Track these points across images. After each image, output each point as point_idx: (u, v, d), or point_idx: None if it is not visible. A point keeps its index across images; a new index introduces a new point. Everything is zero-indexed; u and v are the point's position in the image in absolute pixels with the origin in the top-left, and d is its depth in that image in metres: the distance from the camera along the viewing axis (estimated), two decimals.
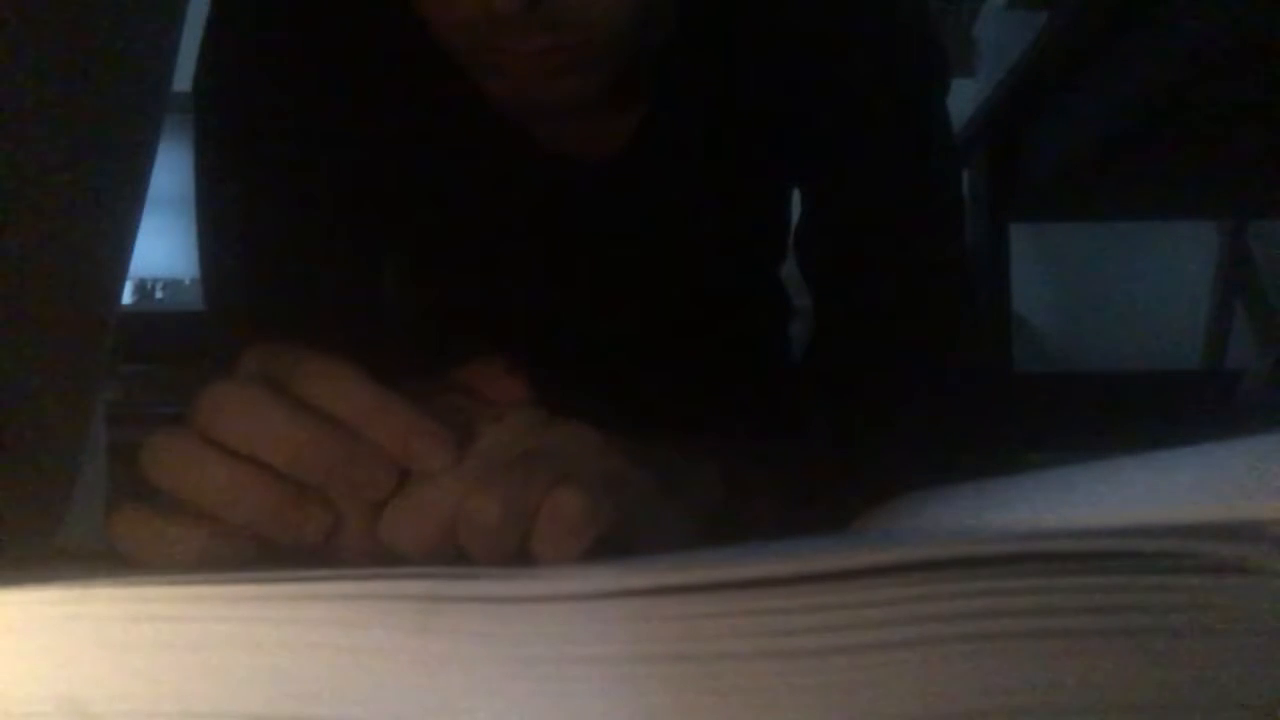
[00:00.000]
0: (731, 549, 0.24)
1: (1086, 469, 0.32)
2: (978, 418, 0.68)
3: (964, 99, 1.62)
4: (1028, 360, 2.11)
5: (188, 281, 2.24)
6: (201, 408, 0.38)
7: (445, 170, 0.67)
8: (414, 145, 0.66)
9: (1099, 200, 1.51)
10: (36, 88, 0.55)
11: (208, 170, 0.64)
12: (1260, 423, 0.27)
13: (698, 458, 0.48)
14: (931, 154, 0.67)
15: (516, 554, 0.36)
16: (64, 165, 0.56)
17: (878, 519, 0.43)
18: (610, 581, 0.20)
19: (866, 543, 0.20)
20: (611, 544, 0.37)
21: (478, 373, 0.44)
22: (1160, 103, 1.06)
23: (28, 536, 0.51)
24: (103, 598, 0.23)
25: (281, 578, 0.22)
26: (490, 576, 0.21)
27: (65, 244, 0.57)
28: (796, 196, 0.74)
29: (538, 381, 0.45)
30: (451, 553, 0.37)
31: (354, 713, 0.21)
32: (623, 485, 0.39)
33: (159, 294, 2.28)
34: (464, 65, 0.56)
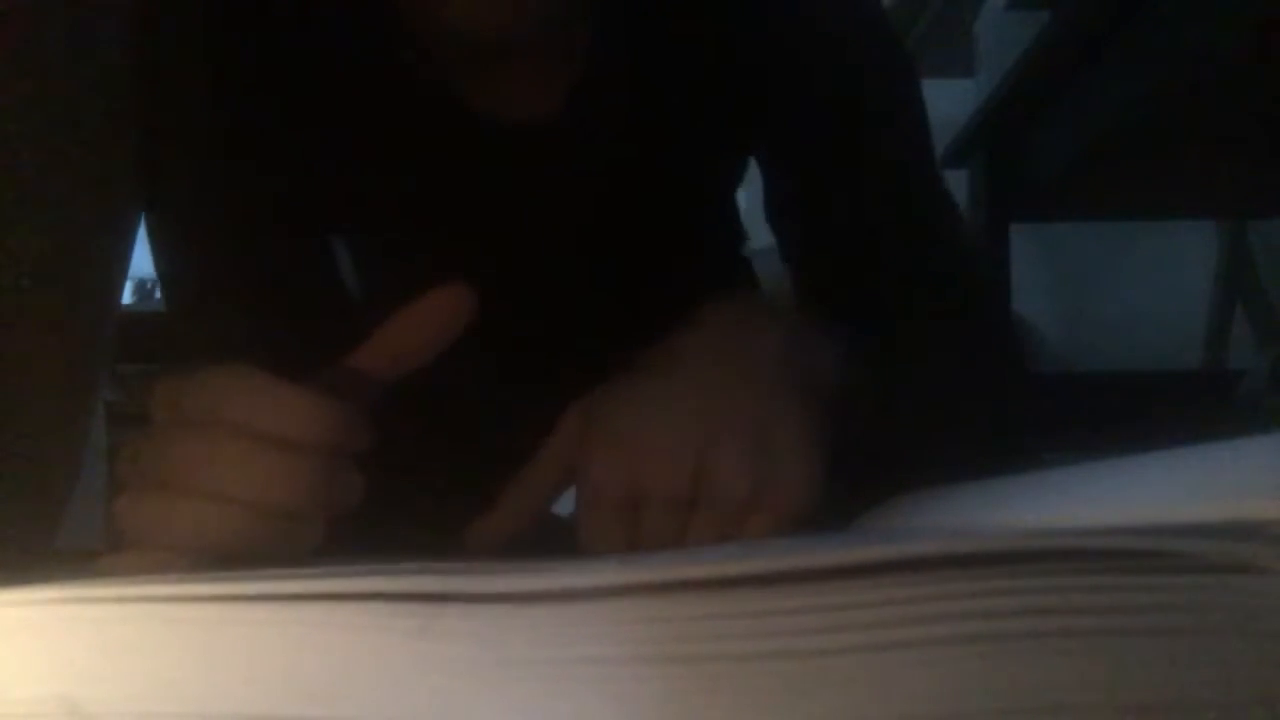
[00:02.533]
0: (730, 547, 0.24)
1: (1086, 469, 0.32)
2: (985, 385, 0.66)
3: (964, 99, 1.62)
4: (1028, 360, 2.10)
5: None
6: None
7: (380, 148, 0.66)
8: (346, 126, 0.65)
9: (1099, 200, 1.51)
10: (37, 88, 0.55)
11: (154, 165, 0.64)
12: (1260, 423, 0.27)
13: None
14: (881, 121, 0.67)
15: None
16: (64, 165, 0.56)
17: (877, 518, 0.43)
18: (611, 577, 0.20)
19: (866, 540, 0.20)
20: None
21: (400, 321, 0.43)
22: (1160, 102, 1.05)
23: (28, 536, 0.51)
24: (102, 598, 0.23)
25: (282, 575, 0.22)
26: (491, 573, 0.21)
27: (65, 244, 0.56)
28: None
29: (498, 355, 0.46)
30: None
31: (354, 712, 0.21)
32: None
33: (159, 294, 2.28)
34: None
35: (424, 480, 0.63)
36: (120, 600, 0.23)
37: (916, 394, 0.59)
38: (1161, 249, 2.24)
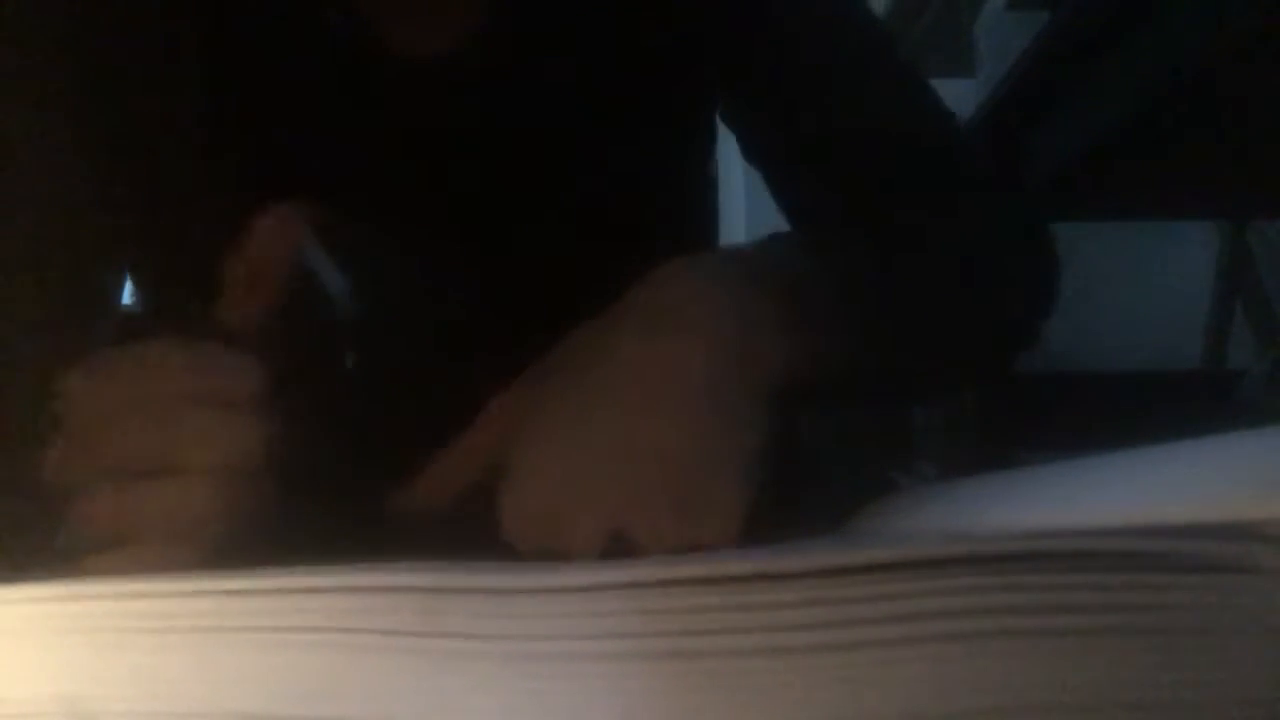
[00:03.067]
0: (731, 548, 0.24)
1: (1085, 465, 0.32)
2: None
3: (964, 99, 1.62)
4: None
5: None
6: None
7: (297, 97, 0.63)
8: (257, 77, 0.62)
9: (1099, 200, 1.51)
10: (37, 89, 0.55)
11: None
12: (1260, 423, 0.27)
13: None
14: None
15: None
16: (64, 165, 0.56)
17: (875, 516, 0.43)
18: (613, 573, 0.20)
19: (866, 540, 0.20)
20: None
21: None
22: (1161, 102, 1.05)
23: (28, 536, 0.51)
24: (102, 599, 0.23)
25: (282, 572, 0.22)
26: (491, 569, 0.21)
27: (65, 244, 0.57)
28: None
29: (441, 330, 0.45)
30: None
31: (354, 710, 0.21)
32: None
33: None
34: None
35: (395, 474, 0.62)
36: (120, 599, 0.23)
37: (917, 310, 0.56)
38: (1161, 249, 2.24)
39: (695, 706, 0.19)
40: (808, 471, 0.58)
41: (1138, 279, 2.26)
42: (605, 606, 0.20)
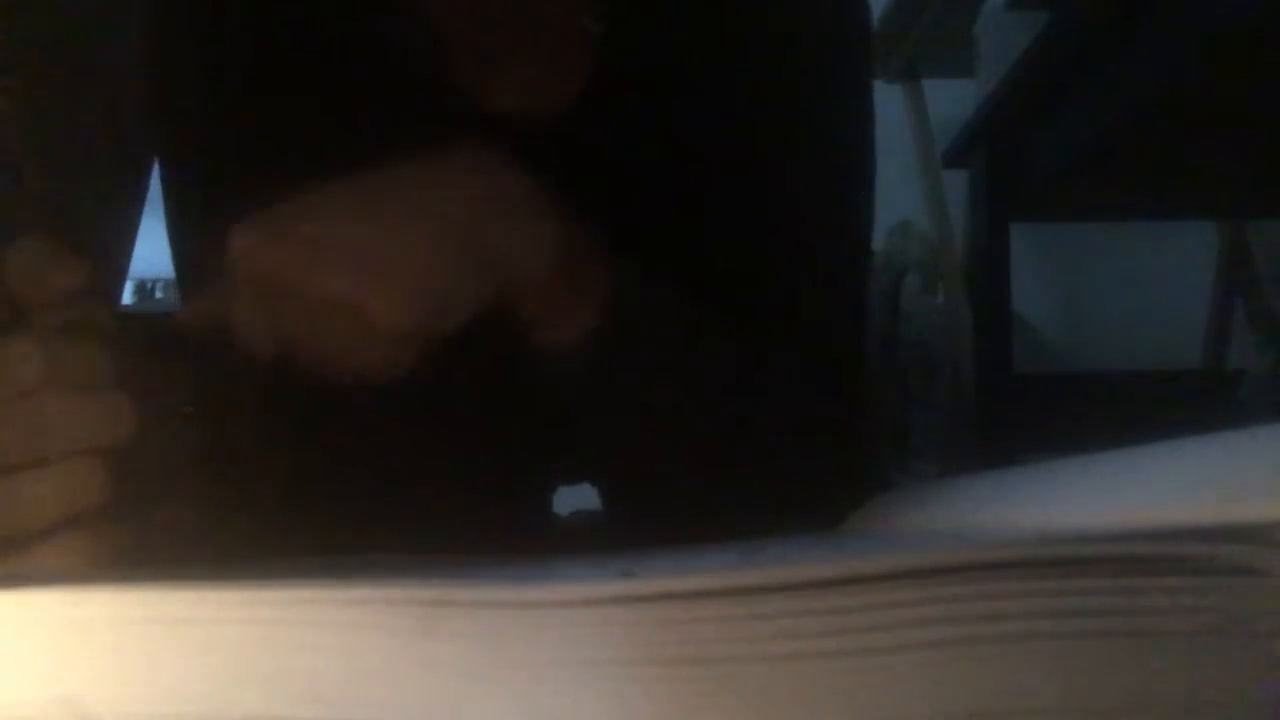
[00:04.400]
0: (731, 553, 0.24)
1: (1084, 465, 0.32)
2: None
3: (964, 99, 1.62)
4: (1028, 360, 2.10)
5: None
6: None
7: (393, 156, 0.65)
8: (356, 135, 0.64)
9: (1099, 200, 1.51)
10: (37, 89, 0.55)
11: (163, 177, 0.65)
12: (1260, 423, 0.27)
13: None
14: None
15: None
16: (64, 166, 0.56)
17: (873, 518, 0.43)
18: (610, 588, 0.20)
19: (866, 548, 0.20)
20: None
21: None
22: (1160, 102, 1.05)
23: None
24: (102, 600, 0.23)
25: (285, 582, 0.22)
26: (495, 582, 0.21)
27: (65, 244, 0.57)
28: None
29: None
30: None
31: (355, 713, 0.21)
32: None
33: (159, 294, 2.28)
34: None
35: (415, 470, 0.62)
36: (120, 603, 0.23)
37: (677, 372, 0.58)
38: (1161, 249, 2.24)
39: (697, 713, 0.19)
40: (808, 471, 0.58)
41: (1138, 279, 2.26)
42: (607, 619, 0.20)
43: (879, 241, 1.21)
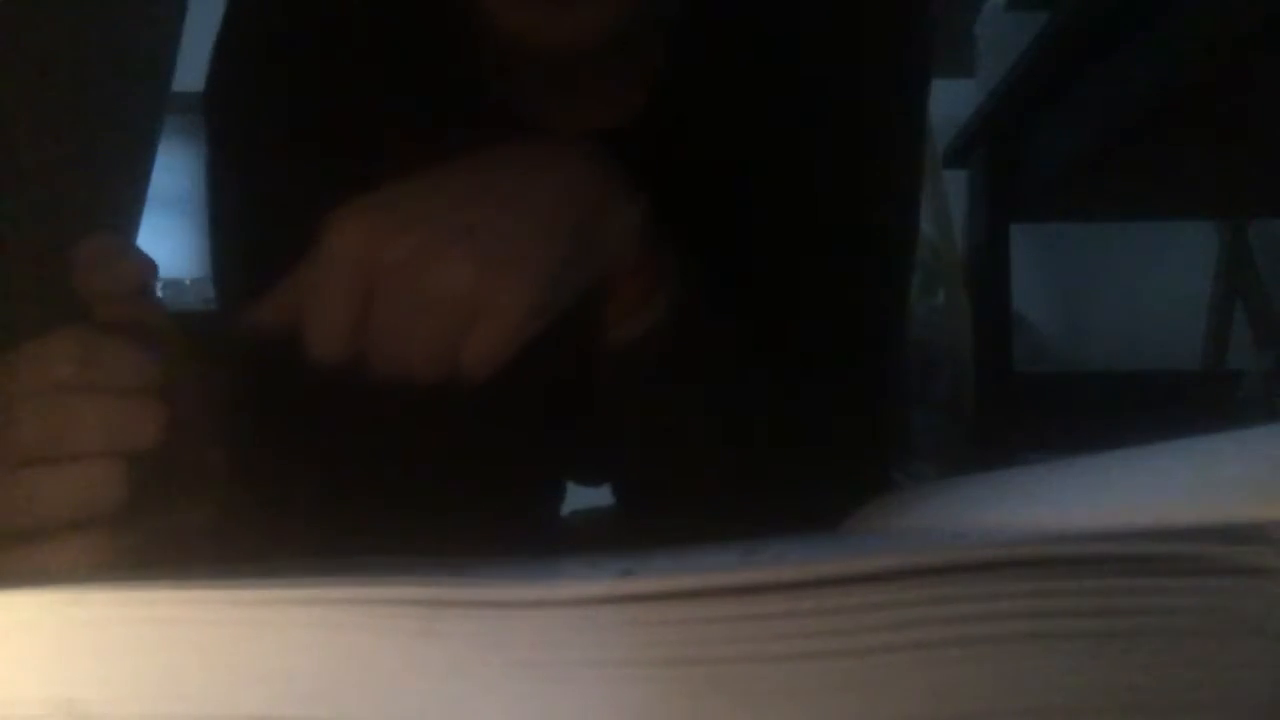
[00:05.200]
0: (731, 552, 0.24)
1: (1085, 465, 0.32)
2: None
3: (964, 99, 1.62)
4: (1028, 360, 2.10)
5: (188, 281, 2.24)
6: None
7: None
8: (416, 141, 0.64)
9: (1099, 200, 1.51)
10: (37, 88, 0.55)
11: (215, 173, 0.64)
12: (1260, 423, 0.27)
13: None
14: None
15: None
16: (64, 166, 0.56)
17: (872, 517, 0.43)
18: (610, 587, 0.20)
19: (866, 547, 0.20)
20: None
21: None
22: (1160, 102, 1.05)
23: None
24: (102, 600, 0.23)
25: (282, 582, 0.22)
26: (494, 582, 0.21)
27: (65, 244, 0.56)
28: None
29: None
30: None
31: (355, 713, 0.21)
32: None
33: (159, 294, 2.28)
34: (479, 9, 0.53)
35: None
36: (120, 603, 0.23)
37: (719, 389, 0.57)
38: (1161, 249, 2.24)
39: (697, 712, 0.19)
40: (806, 471, 0.58)
41: (1138, 279, 2.26)
42: (605, 619, 0.20)
43: None
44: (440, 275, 0.42)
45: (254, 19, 0.63)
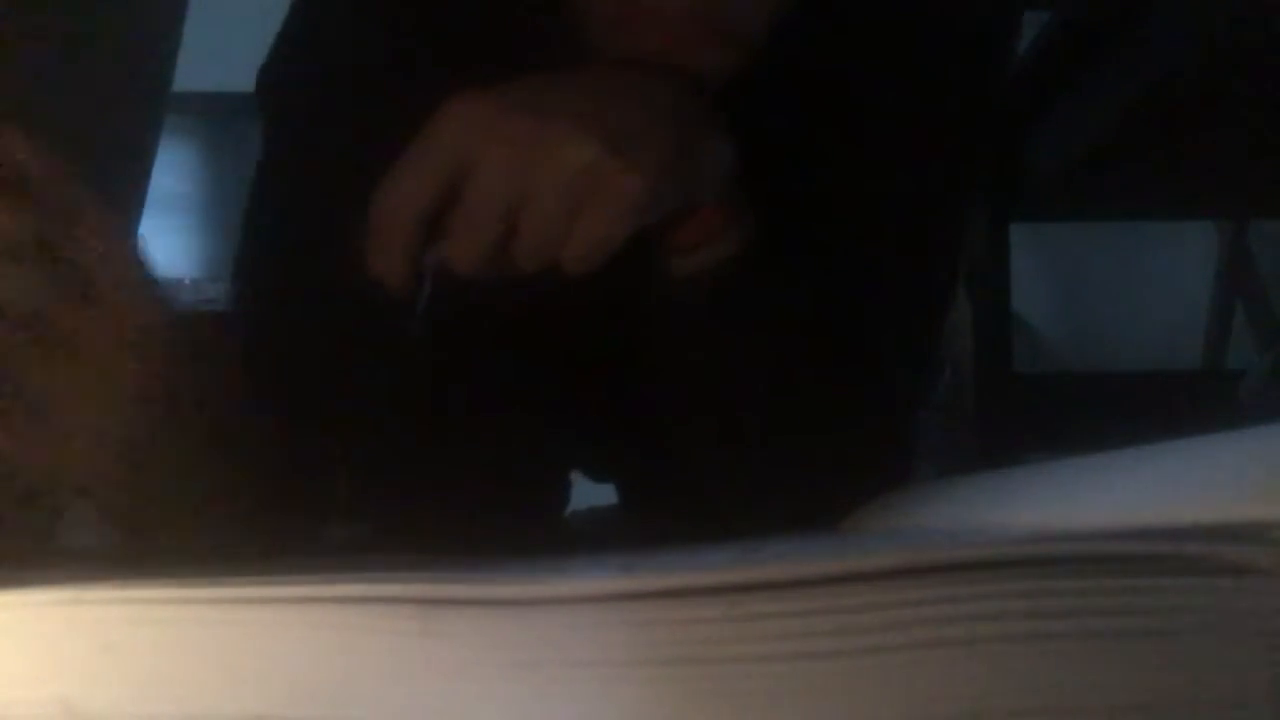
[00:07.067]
0: (730, 551, 0.24)
1: (1085, 465, 0.32)
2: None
3: None
4: (1028, 360, 2.10)
5: (188, 281, 2.24)
6: None
7: None
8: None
9: (1099, 200, 1.51)
10: (37, 88, 0.55)
11: (268, 162, 0.62)
12: (1260, 423, 0.27)
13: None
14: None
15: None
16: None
17: (872, 517, 0.43)
18: (610, 584, 0.20)
19: (866, 546, 0.20)
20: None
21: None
22: (1160, 102, 1.05)
23: (28, 536, 0.51)
24: (102, 600, 0.23)
25: (282, 580, 0.22)
26: (493, 580, 0.21)
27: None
28: None
29: None
30: None
31: (355, 713, 0.21)
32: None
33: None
34: (593, 31, 0.52)
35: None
36: (120, 602, 0.23)
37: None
38: (1161, 249, 2.24)
39: (697, 713, 0.19)
40: (804, 472, 0.57)
41: (1138, 279, 2.26)
42: (605, 618, 0.20)
43: None
44: (560, 151, 0.40)
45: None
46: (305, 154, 0.61)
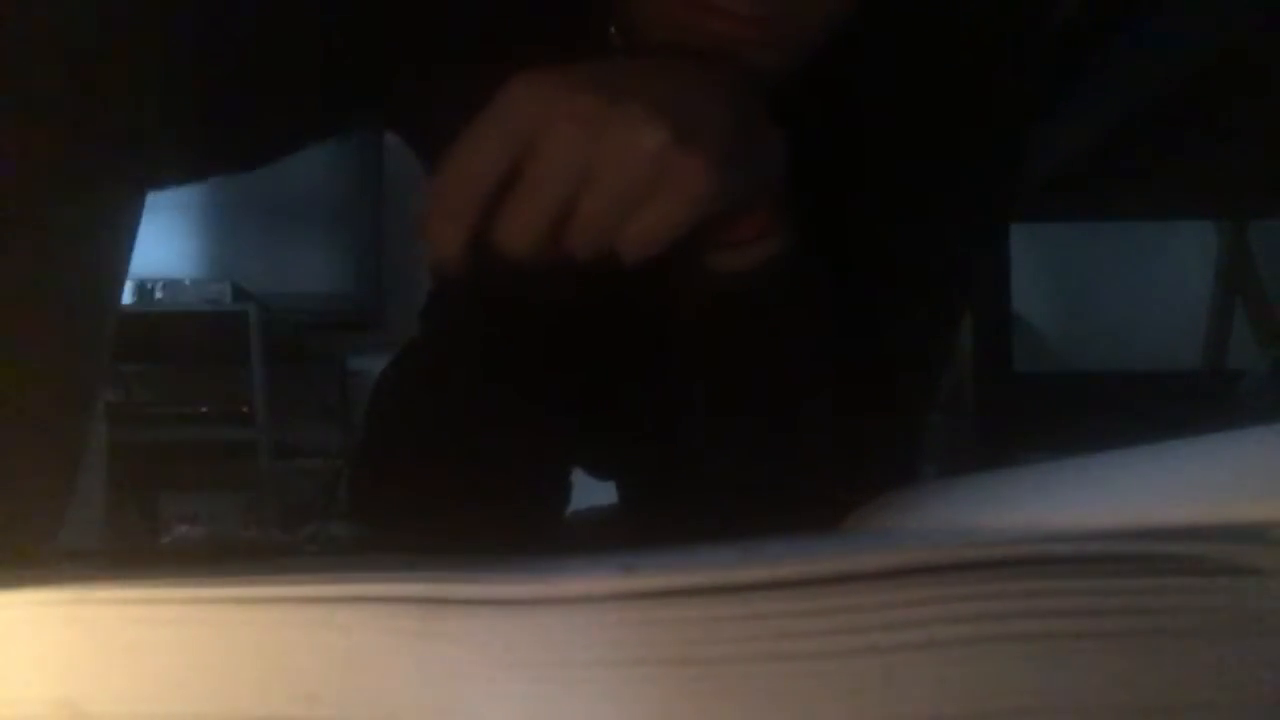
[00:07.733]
0: (730, 551, 0.24)
1: (1085, 465, 0.32)
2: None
3: None
4: (1028, 360, 2.11)
5: (188, 282, 2.24)
6: None
7: None
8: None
9: (1099, 200, 1.51)
10: (36, 87, 0.54)
11: None
12: (1260, 423, 0.27)
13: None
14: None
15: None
16: (63, 166, 0.56)
17: (873, 516, 0.43)
18: (611, 584, 0.20)
19: (867, 545, 0.20)
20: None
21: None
22: (1161, 103, 1.05)
23: (28, 536, 0.51)
24: (102, 599, 0.23)
25: (282, 580, 0.22)
26: (493, 579, 0.21)
27: (65, 245, 0.56)
28: None
29: None
30: None
31: (354, 714, 0.21)
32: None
33: (159, 294, 2.28)
34: (651, 25, 0.50)
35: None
36: (120, 602, 0.23)
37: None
38: (1161, 249, 2.25)
39: (699, 713, 0.19)
40: (808, 470, 0.57)
41: (1138, 279, 2.27)
42: (606, 618, 0.20)
43: None
44: (631, 134, 0.39)
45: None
46: None
